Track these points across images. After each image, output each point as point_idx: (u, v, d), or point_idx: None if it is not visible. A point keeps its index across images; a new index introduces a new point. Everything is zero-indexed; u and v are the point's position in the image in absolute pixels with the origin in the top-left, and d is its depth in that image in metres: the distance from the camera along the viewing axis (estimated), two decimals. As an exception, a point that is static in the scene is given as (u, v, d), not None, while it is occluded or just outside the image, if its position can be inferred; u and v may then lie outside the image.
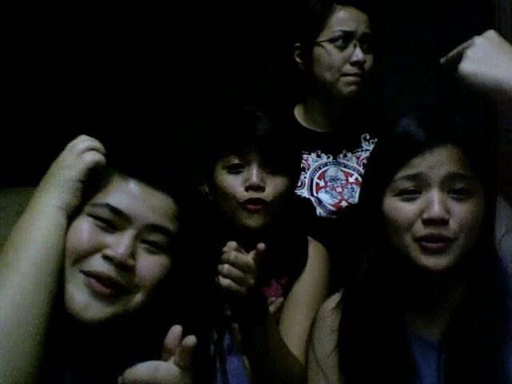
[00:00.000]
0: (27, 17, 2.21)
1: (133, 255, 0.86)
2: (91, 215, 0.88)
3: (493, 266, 1.03)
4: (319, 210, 1.57)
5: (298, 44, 1.60)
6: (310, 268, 1.30)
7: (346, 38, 1.53)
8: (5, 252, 0.84)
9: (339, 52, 1.53)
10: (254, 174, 1.22)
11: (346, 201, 1.58)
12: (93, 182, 0.89)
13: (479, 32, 2.21)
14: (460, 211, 0.98)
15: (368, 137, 1.66)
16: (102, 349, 0.89)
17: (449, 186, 0.98)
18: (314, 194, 1.59)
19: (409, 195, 1.00)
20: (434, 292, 1.05)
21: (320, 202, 1.58)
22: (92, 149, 0.91)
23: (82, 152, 0.90)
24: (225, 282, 1.03)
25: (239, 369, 0.99)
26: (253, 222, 1.24)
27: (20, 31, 2.19)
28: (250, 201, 1.23)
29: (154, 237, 0.89)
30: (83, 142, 0.92)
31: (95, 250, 0.86)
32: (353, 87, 1.54)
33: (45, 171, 0.93)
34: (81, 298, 0.84)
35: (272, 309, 1.26)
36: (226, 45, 2.29)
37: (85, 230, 0.87)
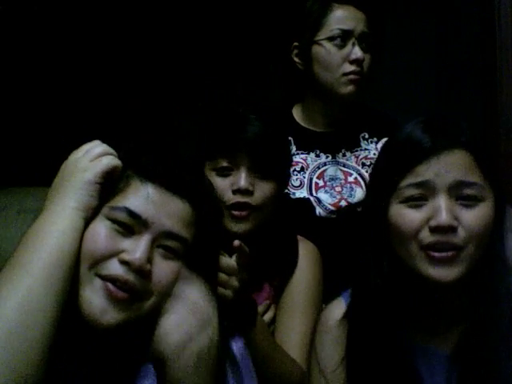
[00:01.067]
0: (27, 17, 2.22)
1: (149, 260, 0.86)
2: (109, 218, 0.87)
3: (504, 276, 0.99)
4: (319, 210, 1.57)
5: (296, 43, 1.60)
6: (301, 268, 1.30)
7: (345, 37, 1.53)
8: (18, 253, 0.83)
9: (338, 50, 1.53)
10: (242, 177, 1.21)
11: (346, 200, 1.58)
12: (111, 184, 0.89)
13: (479, 32, 2.21)
14: (469, 218, 0.94)
15: (367, 136, 1.66)
16: (112, 352, 0.89)
17: (456, 193, 0.95)
18: (314, 193, 1.59)
19: (415, 202, 0.97)
20: (441, 303, 1.02)
21: (319, 201, 1.58)
22: (108, 153, 0.91)
23: (98, 155, 0.89)
24: None
25: (247, 372, 0.99)
26: (238, 227, 1.22)
27: (20, 31, 2.19)
28: (236, 205, 1.22)
29: (170, 243, 0.88)
30: (99, 146, 0.91)
31: (112, 254, 0.85)
32: (352, 86, 1.54)
33: (45, 171, 0.93)
34: (98, 302, 0.84)
35: (269, 315, 1.26)
36: (224, 45, 2.29)
37: (102, 233, 0.86)
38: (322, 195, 1.59)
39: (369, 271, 1.02)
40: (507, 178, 2.06)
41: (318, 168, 1.61)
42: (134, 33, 2.35)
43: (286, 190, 1.55)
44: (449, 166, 0.95)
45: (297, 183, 1.58)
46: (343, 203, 1.57)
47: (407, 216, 0.96)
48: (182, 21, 2.35)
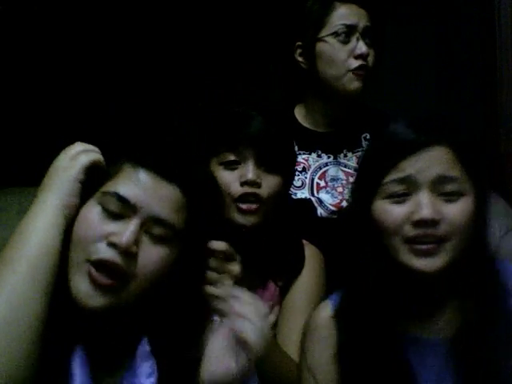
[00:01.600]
0: (27, 17, 2.21)
1: (137, 243, 0.87)
2: (100, 203, 0.90)
3: (488, 266, 1.02)
4: (320, 211, 1.57)
5: (299, 43, 1.60)
6: (306, 272, 1.30)
7: (349, 32, 1.53)
8: (4, 251, 0.86)
9: (343, 46, 1.53)
10: (250, 169, 1.22)
11: (347, 201, 1.57)
12: (101, 174, 0.92)
13: (479, 32, 2.21)
14: (451, 212, 0.97)
15: (368, 137, 1.66)
16: (106, 333, 0.91)
17: (438, 188, 0.97)
18: (315, 194, 1.59)
19: (398, 198, 0.99)
20: (429, 293, 1.03)
21: (321, 202, 1.58)
22: (86, 150, 0.94)
23: (77, 154, 0.93)
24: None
25: None
26: (246, 220, 1.23)
27: (20, 31, 2.19)
28: (244, 197, 1.22)
29: (159, 229, 0.90)
30: (78, 145, 0.95)
31: (101, 237, 0.87)
32: (358, 82, 1.54)
33: (45, 171, 0.94)
34: (83, 287, 0.86)
35: (271, 317, 1.26)
36: (225, 45, 2.29)
37: (93, 217, 0.89)
38: (324, 196, 1.59)
39: (358, 266, 1.04)
40: (507, 177, 2.07)
41: (320, 168, 1.61)
42: (136, 31, 2.35)
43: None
44: (431, 162, 0.97)
45: (298, 183, 1.58)
46: (344, 204, 1.57)
47: (391, 211, 0.99)
48: (184, 20, 2.34)
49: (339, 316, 1.06)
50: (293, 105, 1.68)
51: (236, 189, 1.22)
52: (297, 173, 1.58)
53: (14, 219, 1.46)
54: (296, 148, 1.59)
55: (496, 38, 2.09)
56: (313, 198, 1.58)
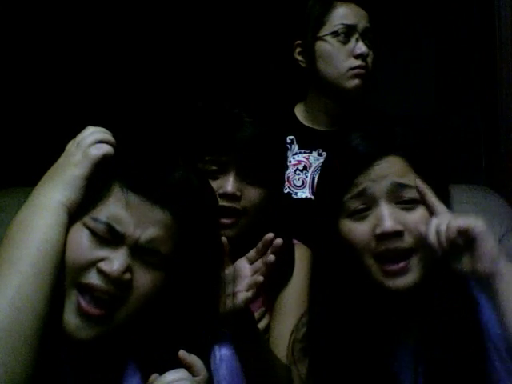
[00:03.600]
0: (22, 17, 2.21)
1: (129, 269, 0.85)
2: (89, 228, 0.86)
3: (457, 279, 0.99)
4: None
5: (298, 42, 1.60)
6: (296, 274, 1.28)
7: (348, 32, 1.54)
8: (5, 247, 0.83)
9: (342, 45, 1.54)
10: (229, 182, 1.18)
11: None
12: (94, 191, 0.89)
13: (479, 32, 2.21)
14: (412, 221, 0.96)
15: None
16: (96, 352, 0.89)
17: (396, 197, 0.97)
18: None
19: (360, 214, 0.98)
20: (402, 307, 1.02)
21: (322, 201, 1.57)
22: (100, 141, 0.91)
23: (88, 146, 0.89)
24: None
25: (235, 379, 0.98)
26: (224, 233, 1.16)
27: (19, 31, 2.19)
28: (222, 210, 1.17)
29: (147, 257, 0.87)
30: (91, 135, 0.91)
31: (91, 263, 0.85)
32: (357, 81, 1.54)
33: (44, 171, 0.92)
34: (72, 319, 0.84)
35: (264, 322, 1.25)
36: (225, 44, 2.29)
37: (81, 242, 0.86)
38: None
39: (327, 284, 1.03)
40: (507, 177, 2.07)
41: (320, 167, 1.61)
42: (131, 32, 2.35)
43: (288, 190, 1.56)
44: (384, 172, 0.97)
45: (299, 183, 1.58)
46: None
47: (355, 230, 0.98)
48: (182, 20, 2.34)
49: (311, 338, 1.06)
50: (293, 103, 1.68)
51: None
52: (297, 171, 1.58)
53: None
54: (297, 146, 1.60)
55: (496, 37, 2.10)
56: (313, 198, 1.56)
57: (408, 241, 0.96)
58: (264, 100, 1.37)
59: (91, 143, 0.90)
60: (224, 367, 0.96)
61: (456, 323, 0.98)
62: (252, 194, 1.21)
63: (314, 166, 1.61)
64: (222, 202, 1.18)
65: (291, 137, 1.60)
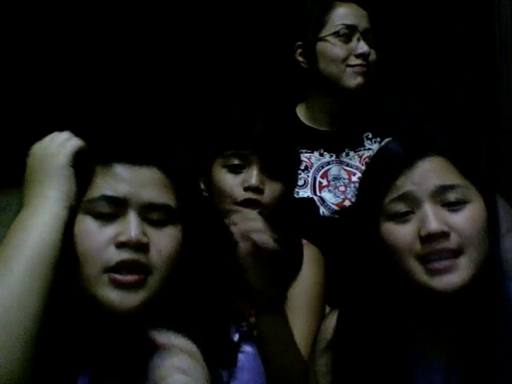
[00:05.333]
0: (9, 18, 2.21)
1: (144, 233, 0.86)
2: (89, 212, 0.87)
3: (502, 283, 0.97)
4: (322, 210, 1.57)
5: (299, 43, 1.61)
6: (305, 272, 1.29)
7: (350, 32, 1.55)
8: (2, 248, 0.83)
9: (344, 44, 1.55)
10: (254, 175, 1.22)
11: (350, 200, 1.57)
12: (79, 181, 0.89)
13: (479, 32, 2.20)
14: (459, 222, 0.92)
15: (370, 135, 1.66)
16: (127, 342, 0.89)
17: (440, 198, 0.94)
18: (317, 193, 1.59)
19: (402, 217, 0.95)
20: (443, 314, 0.98)
21: (323, 201, 1.57)
22: (72, 137, 0.91)
23: (64, 140, 0.90)
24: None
25: (252, 358, 0.99)
26: None
27: (15, 31, 2.19)
28: (247, 202, 1.21)
29: (156, 214, 0.88)
30: (62, 133, 0.92)
31: (107, 243, 0.85)
32: (359, 79, 1.55)
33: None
34: (113, 295, 0.84)
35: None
36: (225, 45, 2.29)
37: (89, 229, 0.86)
38: (326, 194, 1.58)
39: (365, 289, 1.00)
40: (507, 177, 2.07)
41: (322, 167, 1.61)
42: (134, 30, 2.34)
43: None
44: (427, 174, 0.94)
45: (300, 182, 1.57)
46: (347, 203, 1.57)
47: (398, 233, 0.95)
48: (183, 20, 2.34)
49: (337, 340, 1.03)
50: (294, 103, 1.68)
51: (239, 193, 1.22)
52: (299, 171, 1.56)
53: (13, 219, 1.46)
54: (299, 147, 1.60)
55: (496, 37, 2.10)
56: (315, 197, 1.58)
57: (455, 242, 0.91)
58: (266, 100, 1.38)
59: (66, 137, 0.90)
60: (246, 364, 0.97)
61: (498, 338, 0.94)
62: (273, 188, 1.24)
63: (315, 165, 1.61)
64: (247, 195, 1.21)
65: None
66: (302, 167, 1.59)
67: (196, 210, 0.94)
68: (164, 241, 0.88)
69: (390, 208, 0.96)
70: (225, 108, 1.34)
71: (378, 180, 0.98)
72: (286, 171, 1.27)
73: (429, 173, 0.94)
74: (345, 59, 1.55)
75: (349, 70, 1.54)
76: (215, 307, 0.94)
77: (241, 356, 0.96)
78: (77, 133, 0.93)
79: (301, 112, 1.66)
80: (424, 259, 0.92)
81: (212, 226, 0.98)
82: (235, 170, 1.24)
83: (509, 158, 2.07)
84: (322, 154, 1.62)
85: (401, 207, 0.95)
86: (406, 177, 0.95)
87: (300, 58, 1.61)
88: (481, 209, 0.94)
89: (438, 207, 0.93)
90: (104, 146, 0.91)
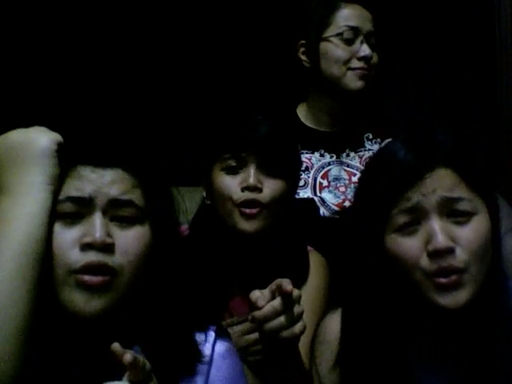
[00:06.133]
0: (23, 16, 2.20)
1: (109, 234, 0.84)
2: (56, 212, 0.84)
3: (505, 294, 0.96)
4: (323, 210, 1.56)
5: (302, 41, 1.61)
6: (310, 280, 1.28)
7: (353, 34, 1.55)
8: None
9: (347, 46, 1.55)
10: (251, 174, 1.22)
11: (350, 201, 1.56)
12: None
13: (479, 32, 2.20)
14: (466, 236, 0.92)
15: (371, 136, 1.66)
16: (101, 339, 0.86)
17: (447, 210, 0.92)
18: (318, 193, 1.58)
19: (409, 228, 0.93)
20: (447, 326, 0.98)
21: (323, 201, 1.57)
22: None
23: (44, 130, 0.87)
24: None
25: (235, 374, 0.97)
26: (248, 226, 1.22)
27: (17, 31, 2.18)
28: (246, 203, 1.21)
29: (122, 211, 0.86)
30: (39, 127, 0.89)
31: (72, 245, 0.83)
32: (360, 82, 1.55)
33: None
34: (79, 297, 0.82)
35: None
36: (226, 45, 2.28)
37: (54, 233, 0.83)
38: (326, 195, 1.58)
39: (368, 300, 0.99)
40: (507, 177, 2.08)
41: (323, 168, 1.61)
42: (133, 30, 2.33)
43: None
44: (433, 185, 0.93)
45: (301, 183, 1.56)
46: (347, 204, 1.56)
47: (404, 246, 0.93)
48: (187, 21, 2.33)
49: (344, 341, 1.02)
50: (295, 103, 1.68)
51: (238, 194, 1.22)
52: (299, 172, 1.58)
53: None
54: (299, 147, 1.60)
55: (496, 38, 2.10)
56: (315, 198, 1.57)
57: (461, 257, 0.90)
58: (266, 100, 1.38)
59: (45, 129, 0.88)
60: (225, 363, 0.94)
61: (502, 353, 0.94)
62: (272, 185, 1.23)
63: (315, 166, 1.61)
64: (245, 196, 1.21)
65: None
66: (303, 168, 1.58)
67: (165, 211, 0.92)
68: (130, 241, 0.85)
69: (396, 219, 0.94)
70: (221, 110, 1.34)
71: (386, 191, 0.95)
72: (285, 168, 1.26)
73: (436, 185, 0.93)
74: (347, 61, 1.55)
75: (350, 72, 1.55)
76: (180, 310, 0.91)
77: (217, 355, 0.93)
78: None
79: (301, 112, 1.66)
80: (431, 274, 0.91)
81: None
82: (233, 171, 1.24)
83: (509, 157, 2.08)
84: (322, 155, 1.62)
85: (407, 218, 0.93)
86: (414, 189, 0.93)
87: (302, 57, 1.61)
88: (486, 222, 0.94)
89: (444, 220, 0.92)
90: (68, 148, 0.87)
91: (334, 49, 1.55)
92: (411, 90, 2.31)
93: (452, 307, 0.91)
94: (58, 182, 0.85)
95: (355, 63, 1.54)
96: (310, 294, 1.25)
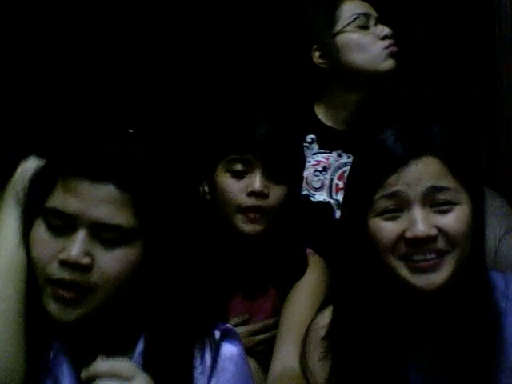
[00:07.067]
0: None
1: (89, 254, 0.84)
2: (44, 220, 0.87)
3: (484, 282, 0.98)
4: (338, 213, 1.53)
5: (315, 46, 1.57)
6: (307, 281, 1.29)
7: (365, 18, 1.54)
8: None
9: (365, 31, 1.53)
10: (257, 180, 1.22)
11: (340, 217, 1.53)
12: (44, 186, 0.89)
13: (479, 32, 2.20)
14: (447, 224, 0.93)
15: None
16: (98, 337, 0.90)
17: (430, 200, 0.94)
18: (334, 196, 1.56)
19: (390, 214, 0.95)
20: (428, 313, 0.99)
21: (339, 204, 1.52)
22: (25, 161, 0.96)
23: (23, 167, 0.95)
24: None
25: (243, 375, 0.96)
26: (251, 228, 1.23)
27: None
28: (251, 208, 1.22)
29: (107, 234, 0.86)
30: (28, 160, 0.96)
31: (53, 256, 0.85)
32: (392, 61, 1.53)
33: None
34: (53, 306, 0.85)
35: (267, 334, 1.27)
36: (238, 45, 2.26)
37: (41, 237, 0.87)
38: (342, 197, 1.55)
39: (352, 286, 1.00)
40: (507, 177, 2.08)
41: (339, 168, 1.58)
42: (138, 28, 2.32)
43: (306, 192, 1.54)
44: (420, 175, 0.94)
45: (317, 185, 1.55)
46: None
47: (384, 229, 0.95)
48: (198, 26, 2.32)
49: (333, 336, 1.03)
50: (312, 102, 1.64)
51: (243, 199, 1.22)
52: (317, 173, 1.56)
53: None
54: (317, 146, 1.57)
55: (496, 37, 2.10)
56: (331, 201, 1.55)
57: (442, 243, 0.93)
58: (283, 98, 1.36)
59: (24, 165, 0.95)
60: (231, 366, 0.94)
61: (478, 339, 0.95)
62: (277, 191, 1.24)
63: (333, 166, 1.58)
64: (251, 201, 1.21)
65: (312, 136, 1.57)
66: (320, 168, 1.56)
67: (162, 227, 0.89)
68: (110, 262, 0.85)
69: (379, 204, 0.95)
70: (229, 111, 1.33)
71: (370, 176, 0.97)
72: (290, 174, 1.27)
73: (422, 174, 0.94)
74: (373, 44, 1.52)
75: (383, 52, 1.52)
76: (180, 313, 0.92)
77: (223, 356, 0.94)
78: (44, 143, 0.97)
79: (319, 110, 1.61)
80: (407, 258, 0.94)
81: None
82: (238, 175, 1.24)
83: (509, 158, 2.08)
84: (340, 155, 1.59)
85: (390, 204, 0.95)
86: (398, 175, 0.94)
87: (320, 61, 1.56)
88: (468, 211, 0.95)
89: (426, 209, 0.94)
90: (63, 158, 0.89)
91: (354, 37, 1.53)
92: (411, 90, 2.31)
93: (427, 289, 0.92)
94: (54, 187, 0.88)
95: (381, 44, 1.52)
96: (304, 291, 1.26)
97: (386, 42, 1.52)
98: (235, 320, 1.27)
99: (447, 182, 0.94)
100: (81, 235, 0.85)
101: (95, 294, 0.85)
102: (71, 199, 0.85)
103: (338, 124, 1.60)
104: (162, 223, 0.90)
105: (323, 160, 1.57)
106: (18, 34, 2.17)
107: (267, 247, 1.29)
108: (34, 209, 0.89)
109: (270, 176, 1.23)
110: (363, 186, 0.98)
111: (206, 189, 1.30)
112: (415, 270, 0.93)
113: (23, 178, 0.92)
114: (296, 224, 1.34)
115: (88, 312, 0.86)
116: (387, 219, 0.95)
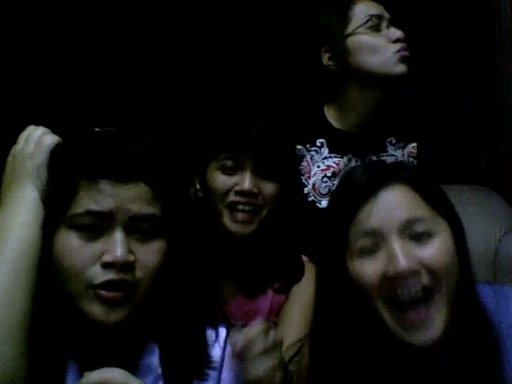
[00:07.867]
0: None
1: (131, 251, 0.86)
2: (73, 227, 0.86)
3: (480, 321, 0.90)
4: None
5: (325, 47, 1.53)
6: (304, 286, 1.27)
7: (378, 20, 1.50)
8: None
9: (377, 33, 1.49)
10: (247, 180, 1.21)
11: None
12: (64, 194, 0.88)
13: (479, 32, 2.20)
14: (428, 256, 0.85)
15: (394, 141, 1.59)
16: (110, 347, 0.90)
17: (407, 232, 0.86)
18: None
19: (368, 252, 0.87)
20: (421, 361, 0.90)
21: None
22: (47, 133, 0.95)
23: (39, 137, 0.94)
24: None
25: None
26: (240, 229, 1.23)
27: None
28: (239, 204, 1.21)
29: (143, 224, 0.87)
30: (36, 129, 0.96)
31: (93, 261, 0.85)
32: (403, 66, 1.51)
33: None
34: (99, 310, 0.85)
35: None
36: (245, 48, 2.26)
37: (73, 244, 0.85)
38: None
39: (334, 330, 0.92)
40: (507, 177, 2.08)
41: None
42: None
43: (313, 198, 1.52)
44: (391, 204, 0.88)
45: (325, 191, 1.52)
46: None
47: (363, 270, 0.87)
48: (203, 30, 2.31)
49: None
50: (321, 104, 1.60)
51: (231, 196, 1.22)
52: (325, 179, 1.53)
53: None
54: (327, 150, 1.54)
55: (496, 37, 2.10)
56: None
57: (426, 279, 0.84)
58: (293, 101, 1.35)
59: (41, 134, 0.94)
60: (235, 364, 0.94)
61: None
62: (268, 189, 1.23)
63: (342, 172, 1.51)
64: (237, 198, 1.21)
65: (321, 140, 1.54)
66: (329, 174, 1.53)
67: (182, 222, 0.93)
68: (150, 256, 0.87)
69: (354, 243, 0.88)
70: (223, 110, 1.32)
71: (341, 210, 0.91)
72: (281, 171, 1.25)
73: (394, 205, 0.88)
74: (385, 46, 1.48)
75: (394, 56, 1.48)
76: (193, 316, 0.94)
77: (229, 355, 0.93)
78: (63, 146, 0.95)
79: (330, 113, 1.57)
80: (394, 303, 0.85)
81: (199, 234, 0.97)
82: (228, 172, 1.23)
83: (509, 158, 2.08)
84: (349, 160, 1.55)
85: (366, 243, 0.88)
86: (369, 208, 0.88)
87: (330, 62, 1.53)
88: (449, 240, 0.89)
89: (405, 241, 0.86)
90: (89, 161, 0.88)
91: (366, 39, 1.49)
92: (411, 90, 2.31)
93: (425, 345, 0.84)
94: (76, 193, 0.86)
95: (394, 47, 1.48)
96: (301, 302, 1.24)
97: (398, 46, 1.49)
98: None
99: (422, 211, 0.88)
100: (119, 235, 0.85)
101: (138, 290, 0.86)
102: (105, 199, 0.85)
103: (349, 127, 1.55)
104: (181, 216, 0.93)
105: (333, 165, 1.54)
106: (25, 35, 2.19)
107: (260, 247, 1.28)
108: (54, 219, 0.87)
109: (260, 173, 1.23)
110: (336, 223, 0.92)
111: (198, 186, 1.30)
112: (405, 326, 0.85)
113: (41, 158, 0.91)
114: (290, 224, 1.32)
115: (129, 312, 0.86)
116: (365, 258, 0.87)
